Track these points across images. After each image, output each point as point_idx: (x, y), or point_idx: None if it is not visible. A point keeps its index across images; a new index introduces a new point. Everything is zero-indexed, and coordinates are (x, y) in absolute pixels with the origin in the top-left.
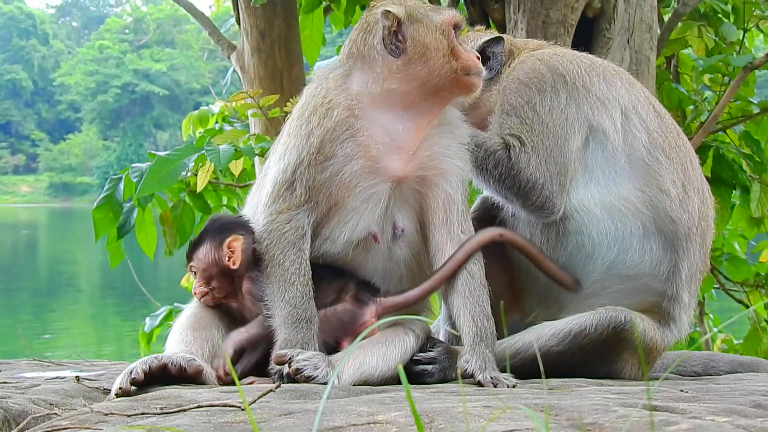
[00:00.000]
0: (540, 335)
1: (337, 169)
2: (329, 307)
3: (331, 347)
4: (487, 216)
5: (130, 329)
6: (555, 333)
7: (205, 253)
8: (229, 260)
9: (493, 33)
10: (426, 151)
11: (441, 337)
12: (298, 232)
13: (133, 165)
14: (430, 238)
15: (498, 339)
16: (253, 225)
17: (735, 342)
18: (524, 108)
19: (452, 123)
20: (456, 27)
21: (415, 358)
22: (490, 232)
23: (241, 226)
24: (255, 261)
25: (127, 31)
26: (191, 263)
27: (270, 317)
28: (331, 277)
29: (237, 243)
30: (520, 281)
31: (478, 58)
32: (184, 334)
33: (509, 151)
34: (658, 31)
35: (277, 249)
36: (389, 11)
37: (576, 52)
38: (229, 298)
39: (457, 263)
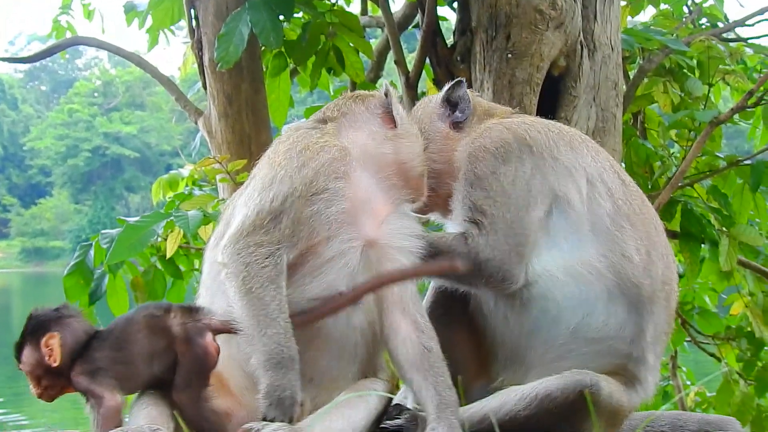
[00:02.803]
0: (507, 400)
1: (326, 205)
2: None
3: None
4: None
5: None
6: (522, 397)
7: (27, 355)
8: (49, 359)
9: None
10: (391, 225)
11: (409, 405)
12: (277, 269)
13: (102, 231)
14: (384, 317)
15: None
16: (72, 314)
17: (708, 394)
18: (489, 178)
19: (407, 214)
20: None
21: (382, 426)
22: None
23: (56, 321)
24: (81, 352)
25: (96, 94)
26: (20, 365)
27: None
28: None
29: (53, 341)
30: (486, 347)
31: None
32: (148, 409)
33: (466, 240)
34: (624, 88)
35: (255, 282)
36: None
37: (544, 120)
38: (64, 392)
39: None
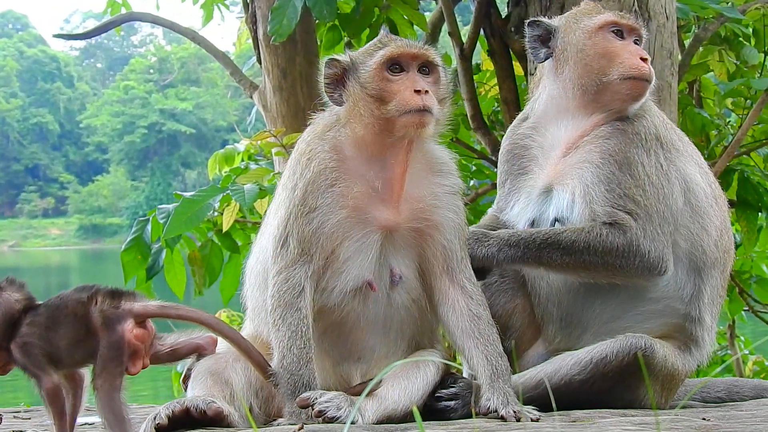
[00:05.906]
0: (561, 365)
1: (322, 220)
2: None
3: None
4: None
5: (164, 369)
6: (577, 362)
7: None
8: None
9: None
10: (414, 203)
11: (464, 373)
12: (295, 290)
13: (159, 206)
14: (433, 286)
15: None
16: (2, 286)
17: (767, 363)
18: (637, 167)
19: (441, 170)
20: (391, 62)
21: (438, 394)
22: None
23: None
24: (13, 325)
25: (151, 71)
26: None
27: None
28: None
29: None
30: (542, 308)
31: (425, 92)
32: (204, 379)
33: (624, 233)
34: (679, 57)
35: (276, 313)
36: (334, 59)
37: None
38: (10, 366)
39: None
